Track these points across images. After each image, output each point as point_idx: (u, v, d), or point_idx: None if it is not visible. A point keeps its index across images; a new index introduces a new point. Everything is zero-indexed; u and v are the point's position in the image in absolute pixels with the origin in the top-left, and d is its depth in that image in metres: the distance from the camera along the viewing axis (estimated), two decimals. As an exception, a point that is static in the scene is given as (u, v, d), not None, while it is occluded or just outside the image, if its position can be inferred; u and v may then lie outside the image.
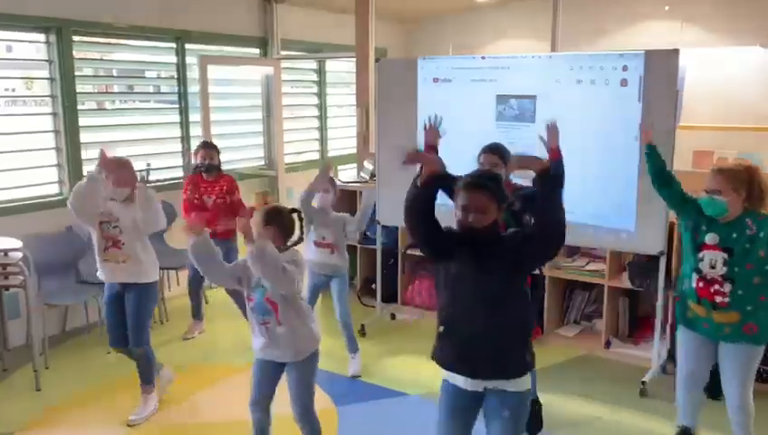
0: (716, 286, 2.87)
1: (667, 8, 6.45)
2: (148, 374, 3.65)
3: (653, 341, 4.05)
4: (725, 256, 2.84)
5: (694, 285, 2.92)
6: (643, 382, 3.84)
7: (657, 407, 3.68)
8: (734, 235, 2.84)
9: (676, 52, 3.57)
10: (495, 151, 3.17)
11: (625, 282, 4.31)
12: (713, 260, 2.86)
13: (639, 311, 4.58)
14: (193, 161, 4.83)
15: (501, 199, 2.27)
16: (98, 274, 3.58)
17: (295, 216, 2.89)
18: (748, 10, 6.15)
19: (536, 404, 3.13)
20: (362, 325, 4.75)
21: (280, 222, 2.78)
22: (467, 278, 2.29)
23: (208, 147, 4.73)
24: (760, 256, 2.81)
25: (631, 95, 3.70)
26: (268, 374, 2.88)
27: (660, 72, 3.62)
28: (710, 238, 2.86)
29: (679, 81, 3.68)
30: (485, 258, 2.26)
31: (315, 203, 4.00)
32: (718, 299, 2.87)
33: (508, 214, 3.05)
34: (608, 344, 4.42)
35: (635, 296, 4.51)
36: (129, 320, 3.53)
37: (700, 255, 2.89)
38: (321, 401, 3.78)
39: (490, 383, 2.30)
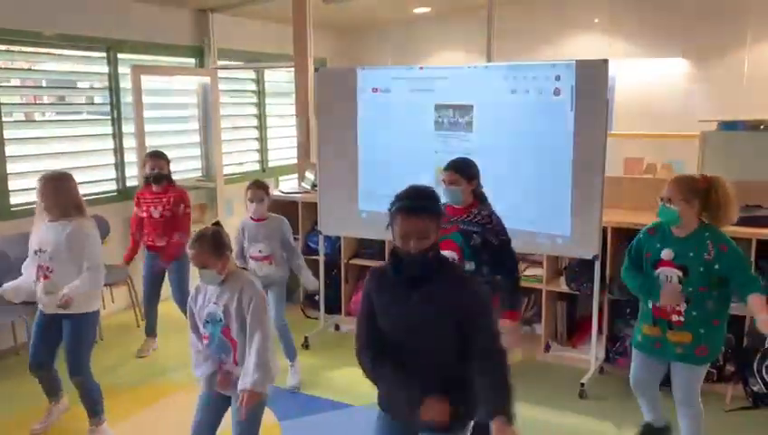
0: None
1: (596, 20, 6.69)
2: (93, 405, 3.44)
3: (591, 343, 4.15)
4: (680, 274, 2.80)
5: (650, 305, 2.91)
6: (582, 384, 3.93)
7: (596, 407, 3.78)
8: (691, 254, 2.78)
9: (605, 62, 3.69)
10: (452, 168, 3.14)
11: (562, 286, 4.42)
12: (669, 277, 2.83)
13: (577, 314, 4.70)
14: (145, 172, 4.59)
15: (440, 216, 2.15)
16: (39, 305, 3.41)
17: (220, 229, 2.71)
18: (671, 23, 6.44)
19: None
20: (305, 338, 4.69)
21: (219, 248, 2.62)
22: (398, 313, 2.17)
23: (156, 156, 4.51)
24: (713, 283, 2.79)
25: (564, 104, 3.80)
26: (216, 406, 2.75)
27: (591, 82, 3.73)
28: (665, 254, 2.83)
29: (609, 90, 3.82)
30: (421, 293, 2.12)
31: (249, 214, 3.97)
32: (674, 318, 2.84)
33: (463, 240, 3.05)
34: (547, 348, 4.51)
35: (573, 300, 4.63)
36: (66, 347, 3.36)
37: (656, 272, 2.86)
38: (264, 416, 3.70)
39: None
